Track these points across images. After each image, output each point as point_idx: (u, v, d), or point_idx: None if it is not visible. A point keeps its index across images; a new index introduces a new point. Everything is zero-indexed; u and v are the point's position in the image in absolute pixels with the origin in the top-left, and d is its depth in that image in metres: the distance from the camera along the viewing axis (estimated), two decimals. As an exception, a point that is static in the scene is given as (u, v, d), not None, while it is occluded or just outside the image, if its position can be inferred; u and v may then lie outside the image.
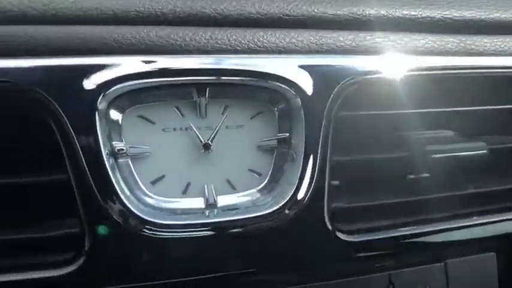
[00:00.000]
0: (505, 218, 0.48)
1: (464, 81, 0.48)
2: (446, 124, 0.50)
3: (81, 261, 0.36)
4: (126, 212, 0.37)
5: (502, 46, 0.49)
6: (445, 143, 0.49)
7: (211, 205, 0.42)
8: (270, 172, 0.44)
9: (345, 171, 0.44)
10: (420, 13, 0.48)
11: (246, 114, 0.44)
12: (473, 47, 0.48)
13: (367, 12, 0.46)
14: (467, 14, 0.49)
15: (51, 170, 0.37)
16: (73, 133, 0.36)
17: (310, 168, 0.41)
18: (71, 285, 0.37)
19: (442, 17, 0.49)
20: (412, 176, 0.48)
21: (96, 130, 0.37)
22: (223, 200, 0.42)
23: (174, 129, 0.42)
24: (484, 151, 0.48)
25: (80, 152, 0.36)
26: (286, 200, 0.41)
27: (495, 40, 0.49)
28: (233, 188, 0.43)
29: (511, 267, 0.50)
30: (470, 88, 0.49)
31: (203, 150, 0.42)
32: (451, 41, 0.48)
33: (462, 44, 0.48)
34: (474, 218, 0.49)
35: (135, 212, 0.38)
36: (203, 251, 0.41)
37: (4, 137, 0.38)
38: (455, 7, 0.49)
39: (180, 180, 0.42)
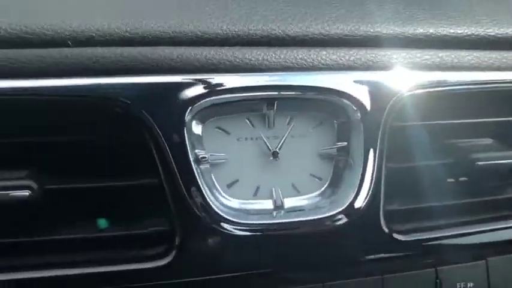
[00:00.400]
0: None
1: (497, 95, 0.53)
2: (487, 133, 0.55)
3: (172, 255, 0.42)
4: (209, 211, 0.43)
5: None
6: (486, 150, 0.53)
7: (278, 207, 0.47)
8: (330, 177, 0.48)
9: (396, 177, 0.49)
10: (465, 31, 0.52)
11: (309, 125, 0.48)
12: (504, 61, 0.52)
13: (416, 31, 0.51)
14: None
15: (146, 175, 0.43)
16: (165, 143, 0.42)
17: (370, 175, 0.46)
18: (163, 276, 0.42)
19: (486, 34, 0.53)
20: (455, 180, 0.52)
21: (185, 140, 0.42)
22: (289, 202, 0.47)
23: (246, 138, 0.47)
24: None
25: (172, 160, 0.42)
26: (347, 204, 0.46)
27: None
28: (297, 191, 0.48)
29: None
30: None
31: (271, 157, 0.47)
32: (488, 56, 0.52)
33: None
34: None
35: (217, 211, 0.43)
36: (271, 247, 0.46)
37: (104, 145, 0.43)
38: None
39: (252, 184, 0.47)
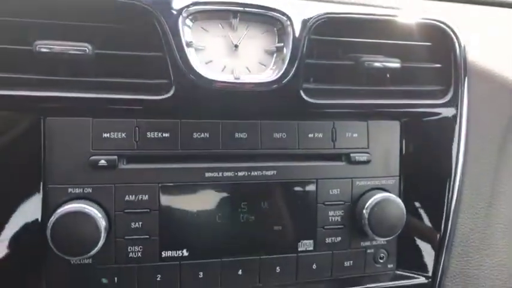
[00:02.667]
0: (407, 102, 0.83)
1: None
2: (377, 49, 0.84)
3: (172, 91, 0.71)
4: (195, 73, 0.70)
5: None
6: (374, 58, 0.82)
7: (236, 78, 0.75)
8: (271, 64, 0.76)
9: (314, 68, 0.78)
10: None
11: (259, 30, 0.76)
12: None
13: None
14: None
15: (151, 48, 0.71)
16: (169, 31, 0.70)
17: (294, 64, 0.73)
18: (167, 106, 0.71)
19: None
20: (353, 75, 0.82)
21: (179, 30, 0.70)
22: (243, 77, 0.75)
23: (218, 36, 0.75)
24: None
25: (172, 42, 0.70)
26: (279, 78, 0.74)
27: None
28: (249, 71, 0.76)
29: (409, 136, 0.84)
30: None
31: (234, 49, 0.75)
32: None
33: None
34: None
35: (199, 72, 0.71)
36: (232, 98, 0.73)
37: (130, 33, 0.71)
38: None
39: (220, 64, 0.74)
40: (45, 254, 0.69)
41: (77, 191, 0.69)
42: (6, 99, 0.66)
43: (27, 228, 0.68)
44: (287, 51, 0.75)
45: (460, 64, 0.85)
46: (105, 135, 0.70)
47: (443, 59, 0.85)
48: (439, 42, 0.84)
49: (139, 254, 0.72)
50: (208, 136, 0.74)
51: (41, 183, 0.69)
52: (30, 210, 0.68)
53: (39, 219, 0.68)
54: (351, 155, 0.80)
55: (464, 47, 0.85)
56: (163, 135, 0.72)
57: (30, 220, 0.68)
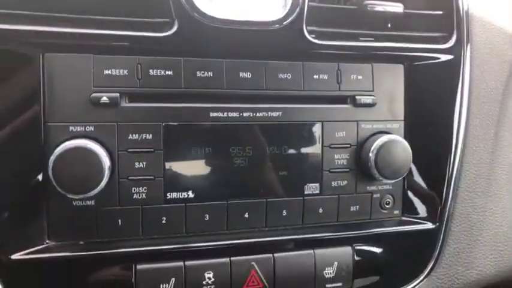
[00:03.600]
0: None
1: None
2: None
3: (174, 28, 0.69)
4: (198, 10, 0.69)
5: None
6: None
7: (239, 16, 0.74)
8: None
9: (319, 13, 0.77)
10: None
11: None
12: None
13: None
14: None
15: None
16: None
17: (299, 13, 0.73)
18: (170, 43, 0.69)
19: None
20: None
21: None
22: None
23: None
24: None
25: None
26: (282, 18, 0.73)
27: None
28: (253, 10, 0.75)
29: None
30: None
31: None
32: None
33: None
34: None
35: (203, 10, 0.69)
36: (236, 36, 0.71)
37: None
38: None
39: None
40: (47, 195, 0.67)
41: (79, 129, 0.67)
42: (5, 34, 0.64)
43: (28, 168, 0.66)
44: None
45: (462, 11, 0.85)
46: (106, 72, 0.68)
47: (445, 6, 0.85)
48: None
49: (143, 196, 0.70)
50: (212, 75, 0.72)
51: (42, 121, 0.66)
52: (30, 148, 0.66)
53: (40, 158, 0.66)
54: (357, 97, 0.79)
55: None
56: (166, 72, 0.70)
57: (31, 159, 0.66)
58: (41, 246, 0.67)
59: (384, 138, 0.77)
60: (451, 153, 0.84)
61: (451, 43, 0.85)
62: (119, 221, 0.70)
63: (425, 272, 0.84)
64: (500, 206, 0.88)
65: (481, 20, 0.89)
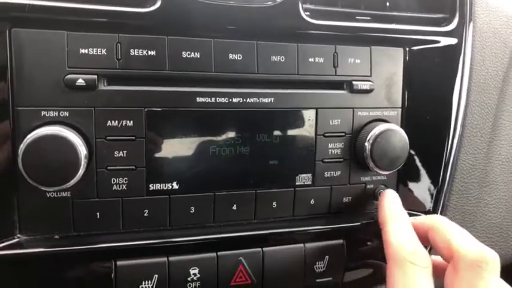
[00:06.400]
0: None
1: None
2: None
3: (158, 3, 0.62)
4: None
5: None
6: None
7: None
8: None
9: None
10: None
11: None
12: None
13: None
14: None
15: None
16: None
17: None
18: (153, 20, 0.63)
19: None
20: None
21: None
22: None
23: None
24: None
25: None
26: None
27: None
28: None
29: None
30: None
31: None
32: None
33: None
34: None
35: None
36: (225, 14, 0.65)
37: None
38: None
39: None
40: (17, 186, 0.61)
41: (52, 114, 0.61)
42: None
43: (-5, 157, 0.60)
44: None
45: (464, -7, 0.80)
46: (82, 51, 0.61)
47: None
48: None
49: (124, 187, 0.65)
50: (199, 56, 0.66)
51: (10, 105, 0.60)
52: (-3, 135, 0.60)
53: (9, 146, 0.60)
54: (353, 82, 0.74)
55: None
56: (149, 52, 0.64)
57: (-2, 147, 0.60)
58: (11, 241, 0.62)
59: (380, 127, 0.72)
60: (448, 143, 0.80)
61: (453, 25, 0.80)
62: (97, 214, 0.64)
63: (417, 264, 0.82)
64: (494, 197, 0.86)
65: (484, 1, 0.85)
